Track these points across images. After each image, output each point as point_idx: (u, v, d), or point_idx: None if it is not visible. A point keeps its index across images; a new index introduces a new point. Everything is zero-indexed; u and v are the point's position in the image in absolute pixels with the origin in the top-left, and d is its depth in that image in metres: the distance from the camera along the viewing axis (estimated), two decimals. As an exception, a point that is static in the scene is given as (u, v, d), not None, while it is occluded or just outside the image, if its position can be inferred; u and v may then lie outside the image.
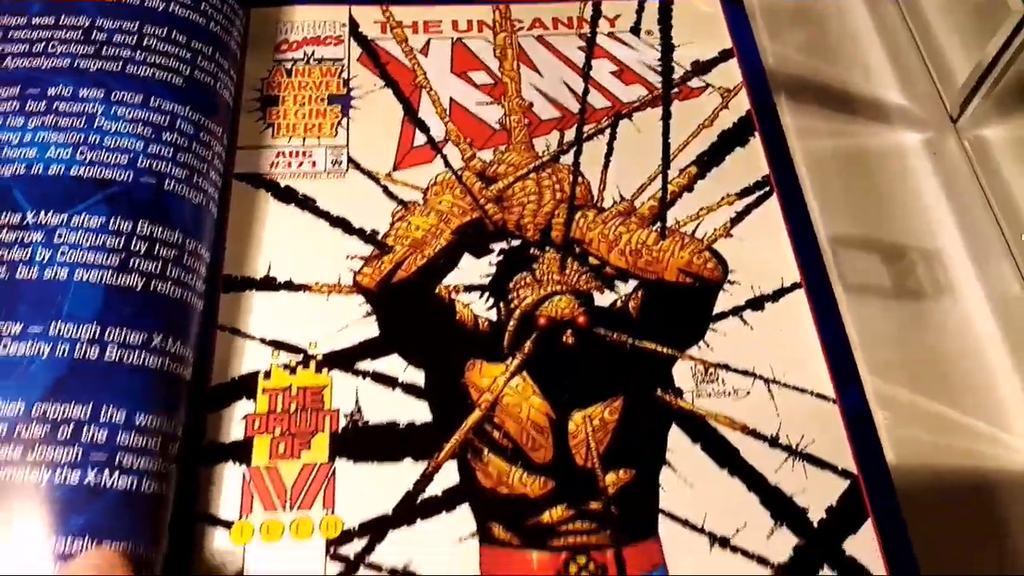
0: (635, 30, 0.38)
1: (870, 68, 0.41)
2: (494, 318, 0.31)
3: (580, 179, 0.34)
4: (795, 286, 0.32)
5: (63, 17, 0.32)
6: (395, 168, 0.34)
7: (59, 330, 0.26)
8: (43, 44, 0.31)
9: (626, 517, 0.27)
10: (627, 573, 0.27)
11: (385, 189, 0.33)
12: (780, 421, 0.29)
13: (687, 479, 0.28)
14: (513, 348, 0.30)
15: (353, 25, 0.37)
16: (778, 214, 0.33)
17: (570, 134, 0.35)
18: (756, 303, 0.32)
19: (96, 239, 0.27)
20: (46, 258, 0.27)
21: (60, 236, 0.27)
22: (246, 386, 0.29)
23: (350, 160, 0.34)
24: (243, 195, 0.32)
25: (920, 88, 0.41)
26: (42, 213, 0.28)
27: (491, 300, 0.31)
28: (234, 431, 0.28)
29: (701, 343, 0.31)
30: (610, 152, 0.35)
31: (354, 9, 0.37)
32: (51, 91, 0.30)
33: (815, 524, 0.27)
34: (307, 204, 0.32)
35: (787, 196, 0.34)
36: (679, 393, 0.30)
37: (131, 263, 0.27)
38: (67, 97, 0.30)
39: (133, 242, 0.28)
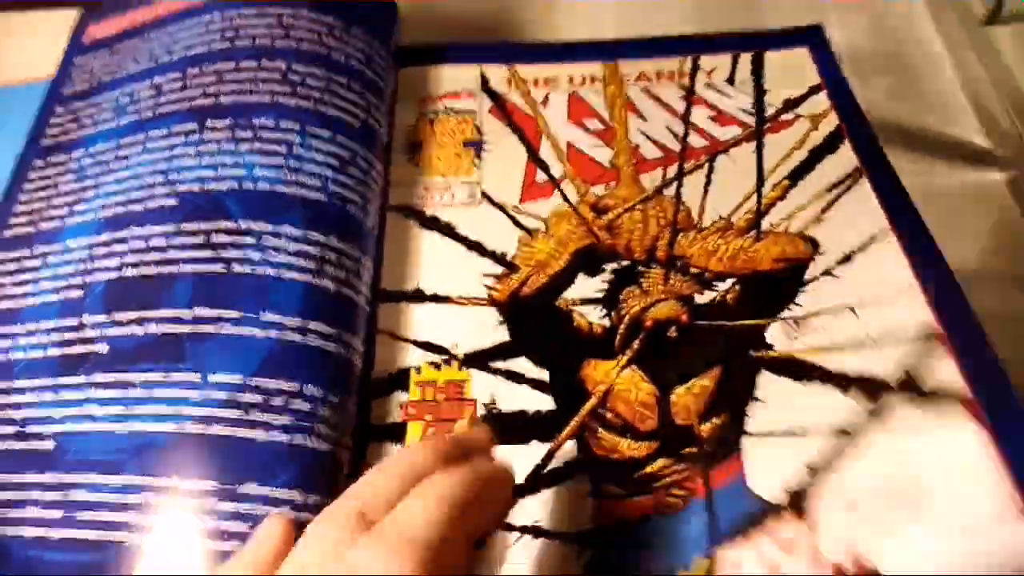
0: (730, 80, 0.43)
1: (951, 111, 0.44)
2: (607, 324, 0.36)
3: (681, 207, 0.39)
4: (883, 233, 0.37)
5: (263, 60, 0.38)
6: (520, 201, 0.40)
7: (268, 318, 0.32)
8: (249, 84, 0.37)
9: (716, 449, 0.32)
10: (712, 487, 0.31)
11: (513, 219, 0.39)
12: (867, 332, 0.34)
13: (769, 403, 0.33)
14: (624, 347, 0.35)
15: (483, 81, 0.44)
16: (868, 188, 0.38)
17: (672, 170, 0.40)
18: (845, 259, 0.36)
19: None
20: (256, 259, 0.33)
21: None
22: (401, 380, 0.35)
23: (483, 194, 0.40)
24: (396, 223, 0.39)
25: (1003, 129, 0.43)
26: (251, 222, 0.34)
27: (604, 311, 0.36)
28: (393, 415, 0.34)
29: (792, 305, 0.35)
30: (708, 183, 0.40)
31: (484, 67, 0.44)
32: (256, 121, 0.36)
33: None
34: (448, 231, 0.39)
35: (877, 175, 0.39)
36: (770, 347, 0.34)
37: (325, 270, 0.33)
38: (270, 127, 0.36)
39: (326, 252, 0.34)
